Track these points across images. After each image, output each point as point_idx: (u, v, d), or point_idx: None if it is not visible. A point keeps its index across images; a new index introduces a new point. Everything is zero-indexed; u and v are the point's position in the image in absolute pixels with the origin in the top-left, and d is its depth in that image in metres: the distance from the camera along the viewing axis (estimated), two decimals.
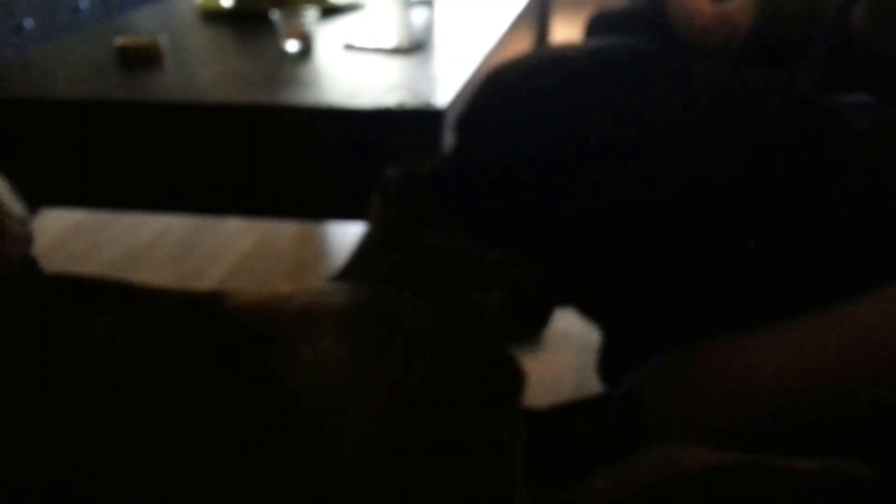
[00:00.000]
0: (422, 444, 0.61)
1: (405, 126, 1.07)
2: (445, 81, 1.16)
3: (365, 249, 0.72)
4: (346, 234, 2.04)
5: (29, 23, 2.75)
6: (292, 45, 1.35)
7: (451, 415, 0.63)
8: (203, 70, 1.29)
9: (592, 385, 1.50)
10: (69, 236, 2.09)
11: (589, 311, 0.74)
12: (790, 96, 0.68)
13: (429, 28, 1.51)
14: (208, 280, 1.87)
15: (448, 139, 1.11)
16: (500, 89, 0.70)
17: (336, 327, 0.65)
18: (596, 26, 1.85)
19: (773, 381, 0.59)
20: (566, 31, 3.79)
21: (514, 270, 0.68)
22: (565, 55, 0.71)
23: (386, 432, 0.61)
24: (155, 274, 1.93)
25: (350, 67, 1.26)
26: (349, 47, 1.37)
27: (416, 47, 1.35)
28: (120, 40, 1.32)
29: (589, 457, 0.79)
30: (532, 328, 0.73)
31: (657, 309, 0.68)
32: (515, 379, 0.68)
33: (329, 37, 1.44)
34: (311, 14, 1.36)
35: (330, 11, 1.63)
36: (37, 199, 1.26)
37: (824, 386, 0.57)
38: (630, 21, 1.76)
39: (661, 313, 0.68)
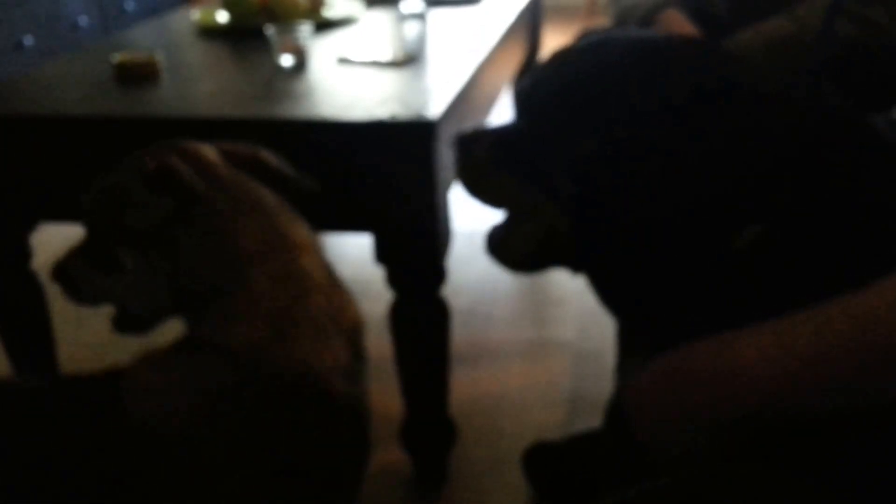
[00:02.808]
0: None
1: (398, 138, 1.09)
2: (437, 93, 1.18)
3: None
4: (341, 245, 2.05)
5: (29, 40, 2.78)
6: (287, 60, 1.37)
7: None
8: (199, 85, 1.31)
9: (588, 392, 1.51)
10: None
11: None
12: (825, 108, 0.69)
13: (421, 41, 1.54)
14: None
15: (441, 150, 1.13)
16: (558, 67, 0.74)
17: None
18: None
19: (765, 374, 0.58)
20: (556, 43, 3.81)
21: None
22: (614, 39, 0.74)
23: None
24: None
25: (343, 81, 1.28)
26: (343, 61, 1.39)
27: (408, 60, 1.37)
28: (117, 57, 1.34)
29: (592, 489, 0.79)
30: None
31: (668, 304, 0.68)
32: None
33: (323, 51, 1.46)
34: (304, 29, 1.38)
35: (323, 26, 1.65)
36: (36, 214, 1.27)
37: (816, 378, 0.57)
38: None
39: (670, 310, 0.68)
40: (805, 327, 0.58)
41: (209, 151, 0.77)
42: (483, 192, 0.78)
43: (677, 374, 0.63)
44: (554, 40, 4.00)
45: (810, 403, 0.58)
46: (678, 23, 1.61)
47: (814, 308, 0.59)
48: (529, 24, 2.14)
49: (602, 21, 1.99)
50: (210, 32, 1.66)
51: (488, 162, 0.77)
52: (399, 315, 1.19)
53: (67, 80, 1.35)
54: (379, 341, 1.37)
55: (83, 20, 3.06)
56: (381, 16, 1.76)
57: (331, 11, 1.72)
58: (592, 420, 1.29)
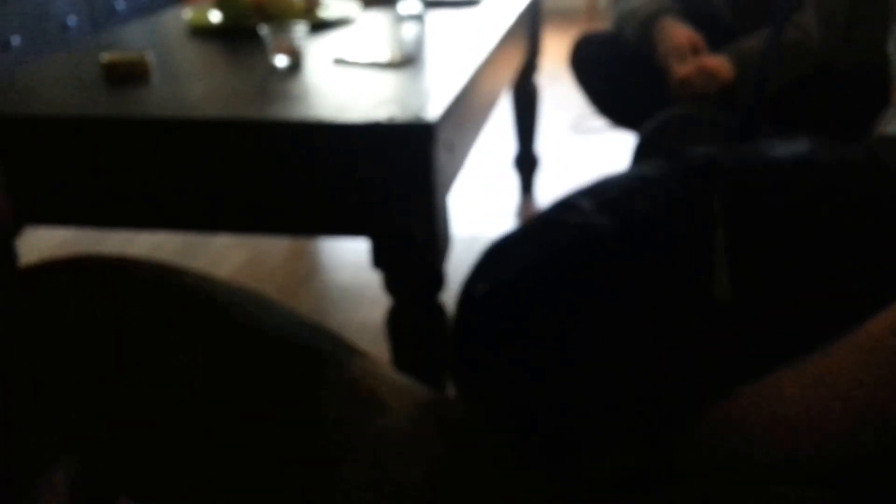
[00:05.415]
0: None
1: (396, 140, 1.07)
2: (436, 95, 1.16)
3: None
4: (338, 249, 2.03)
5: (16, 40, 2.74)
6: (281, 60, 1.34)
7: None
8: (191, 85, 1.29)
9: None
10: (56, 255, 2.07)
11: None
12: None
13: (419, 42, 1.51)
14: None
15: (440, 153, 1.10)
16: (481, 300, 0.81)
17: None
18: (582, 48, 1.88)
19: (812, 417, 0.59)
20: (556, 46, 3.80)
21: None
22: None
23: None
24: None
25: (340, 82, 1.25)
26: (339, 62, 1.36)
27: (406, 62, 1.34)
28: (107, 56, 1.32)
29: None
30: None
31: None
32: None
33: (318, 51, 1.44)
34: (300, 29, 1.35)
35: (319, 26, 1.63)
36: (23, 217, 1.24)
37: (865, 410, 0.57)
38: (613, 45, 1.79)
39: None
40: (844, 366, 0.58)
41: None
42: None
43: (732, 423, 0.64)
44: (554, 43, 4.00)
45: (855, 442, 0.58)
46: (676, 29, 1.60)
47: (843, 339, 0.59)
48: (529, 27, 2.12)
49: (601, 25, 1.98)
50: (202, 32, 1.63)
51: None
52: (396, 321, 1.18)
53: (55, 81, 1.32)
54: (376, 347, 1.34)
55: (72, 20, 3.03)
56: (379, 16, 1.74)
57: (327, 11, 1.70)
58: None
